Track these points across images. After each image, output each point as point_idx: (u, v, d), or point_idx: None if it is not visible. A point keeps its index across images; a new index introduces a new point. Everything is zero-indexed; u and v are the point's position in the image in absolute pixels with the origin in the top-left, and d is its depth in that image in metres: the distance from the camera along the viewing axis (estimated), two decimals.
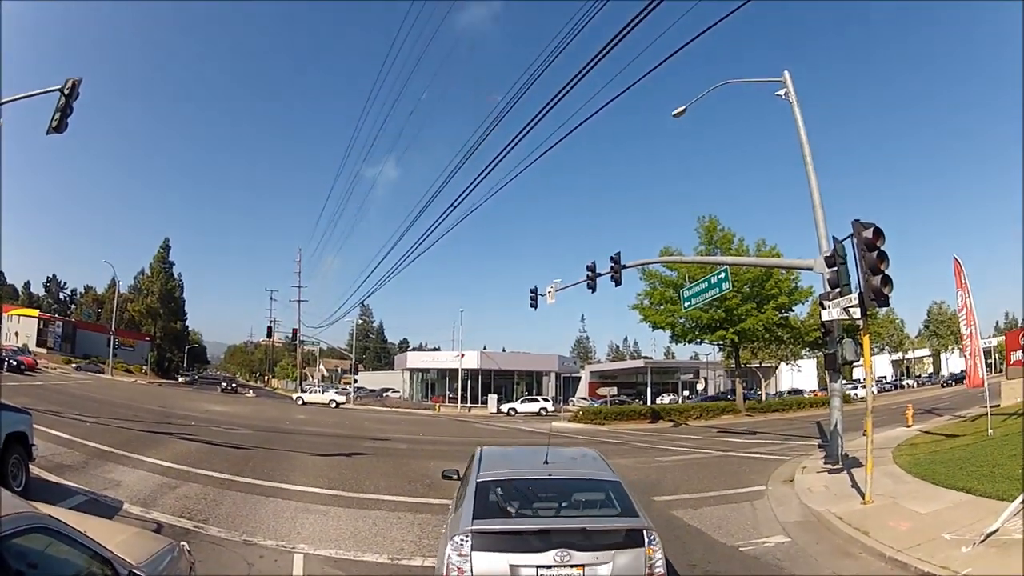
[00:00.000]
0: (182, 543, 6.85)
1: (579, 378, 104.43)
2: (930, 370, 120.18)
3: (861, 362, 16.22)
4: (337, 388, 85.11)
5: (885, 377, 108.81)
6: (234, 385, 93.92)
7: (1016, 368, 31.43)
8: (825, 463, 20.42)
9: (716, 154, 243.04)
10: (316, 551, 10.33)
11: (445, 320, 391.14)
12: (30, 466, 12.54)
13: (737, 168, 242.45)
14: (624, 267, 28.54)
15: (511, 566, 6.24)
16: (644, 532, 6.51)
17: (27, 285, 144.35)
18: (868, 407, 15.47)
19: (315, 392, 76.78)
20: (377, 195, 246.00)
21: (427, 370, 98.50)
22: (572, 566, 6.25)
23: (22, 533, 3.47)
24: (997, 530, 9.88)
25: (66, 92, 20.31)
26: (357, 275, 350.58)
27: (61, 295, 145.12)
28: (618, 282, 28.44)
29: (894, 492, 14.84)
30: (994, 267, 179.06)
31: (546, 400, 76.00)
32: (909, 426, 30.74)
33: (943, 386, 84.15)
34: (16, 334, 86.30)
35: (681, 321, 53.67)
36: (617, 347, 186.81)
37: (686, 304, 30.22)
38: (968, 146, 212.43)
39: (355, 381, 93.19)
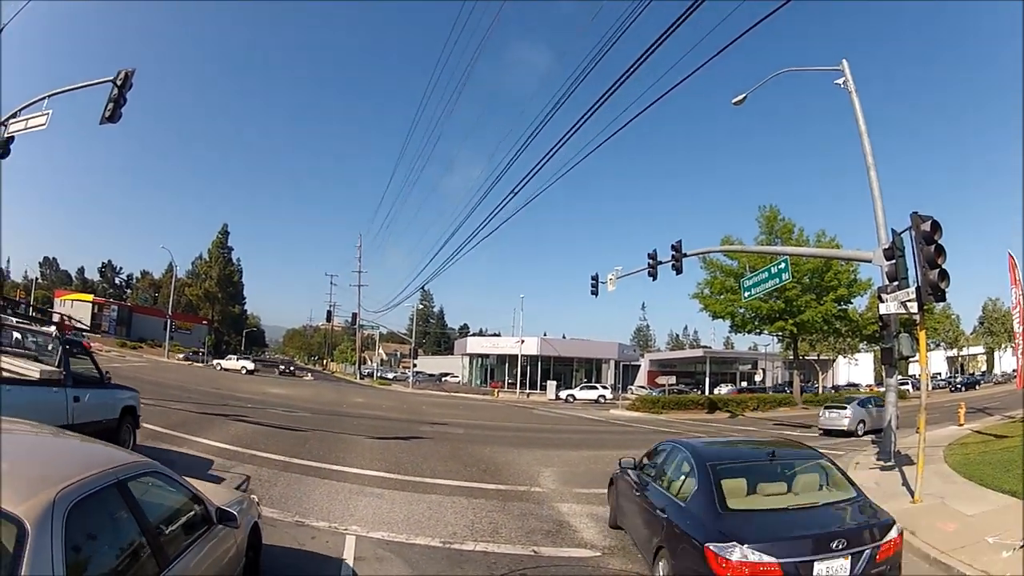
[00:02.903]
0: (252, 495, 8.05)
1: (638, 366, 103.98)
2: (983, 368, 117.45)
3: (917, 357, 15.94)
4: (249, 357, 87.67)
5: (940, 374, 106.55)
6: (292, 368, 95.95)
7: None
8: (878, 459, 20.29)
9: (776, 142, 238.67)
10: (369, 533, 10.41)
11: (505, 306, 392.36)
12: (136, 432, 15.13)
13: (797, 156, 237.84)
14: (685, 255, 28.37)
15: None
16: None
17: (81, 271, 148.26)
18: (923, 404, 15.20)
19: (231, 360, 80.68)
20: (440, 180, 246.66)
21: (486, 355, 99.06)
22: None
23: (141, 476, 4.58)
24: None
25: (119, 83, 20.70)
26: (418, 260, 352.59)
27: (116, 280, 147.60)
28: (679, 270, 28.35)
29: (943, 492, 14.71)
30: None
31: (605, 388, 76.35)
32: (960, 425, 30.21)
33: (963, 388, 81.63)
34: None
35: (741, 311, 53.48)
36: (677, 336, 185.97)
37: (746, 294, 29.94)
38: None
39: (414, 365, 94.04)
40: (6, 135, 21.22)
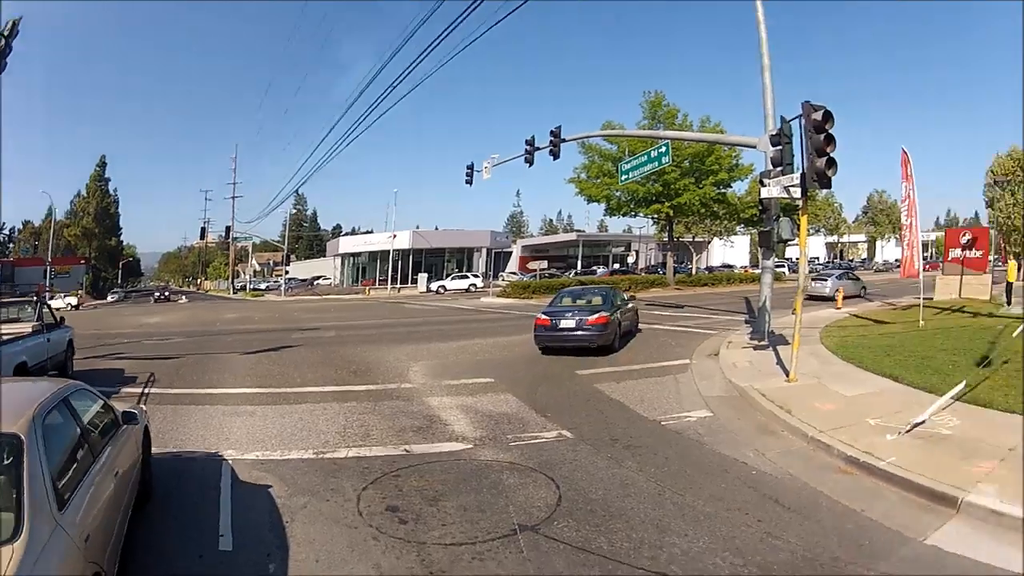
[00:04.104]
0: (141, 405, 10.16)
1: (511, 253, 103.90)
2: (864, 255, 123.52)
3: (795, 241, 16.17)
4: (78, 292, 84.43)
5: (818, 258, 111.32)
6: (167, 294, 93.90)
7: (954, 265, 32.46)
8: (751, 339, 20.73)
9: (667, 27, 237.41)
10: (243, 455, 10.18)
11: (381, 203, 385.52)
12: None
13: (687, 46, 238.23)
14: (564, 140, 28.29)
15: None
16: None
17: None
18: (800, 285, 15.46)
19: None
20: (323, 83, 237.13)
21: (359, 254, 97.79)
22: None
23: (75, 392, 6.53)
24: (923, 422, 9.93)
25: (5, 33, 18.31)
26: (293, 164, 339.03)
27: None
28: (556, 156, 28.22)
29: (819, 372, 14.97)
30: (942, 165, 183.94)
31: (476, 276, 77.36)
32: (838, 308, 31.39)
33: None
34: None
35: (617, 194, 54.23)
36: (551, 221, 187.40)
37: (623, 177, 30.10)
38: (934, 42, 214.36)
39: (286, 272, 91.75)
40: None
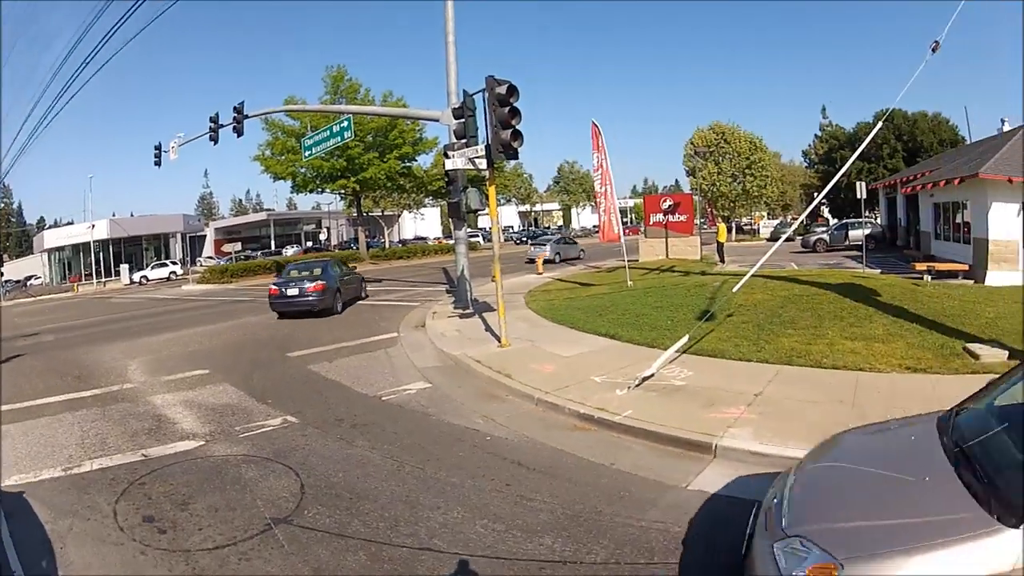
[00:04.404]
0: None
1: (205, 236, 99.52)
2: (560, 223, 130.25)
3: (486, 211, 16.85)
4: None
5: (512, 227, 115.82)
6: None
7: (656, 228, 35.27)
8: (455, 308, 21.46)
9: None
10: (3, 482, 9.32)
11: (79, 191, 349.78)
12: None
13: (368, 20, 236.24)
14: (247, 117, 27.55)
15: None
16: None
17: None
18: (496, 253, 16.20)
19: None
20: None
21: (63, 248, 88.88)
22: None
23: None
24: (652, 375, 10.51)
25: None
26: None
27: None
28: (240, 132, 27.44)
29: (531, 336, 15.56)
30: (634, 137, 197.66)
31: (175, 263, 74.14)
32: (540, 273, 32.99)
33: (526, 241, 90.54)
34: None
35: (303, 171, 53.69)
36: (240, 201, 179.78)
37: (307, 153, 29.91)
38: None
39: (1, 275, 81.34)
40: None
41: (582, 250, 47.89)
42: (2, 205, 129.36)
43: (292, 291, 23.37)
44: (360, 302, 27.63)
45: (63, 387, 15.58)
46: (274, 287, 24.13)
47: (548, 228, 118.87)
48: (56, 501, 8.41)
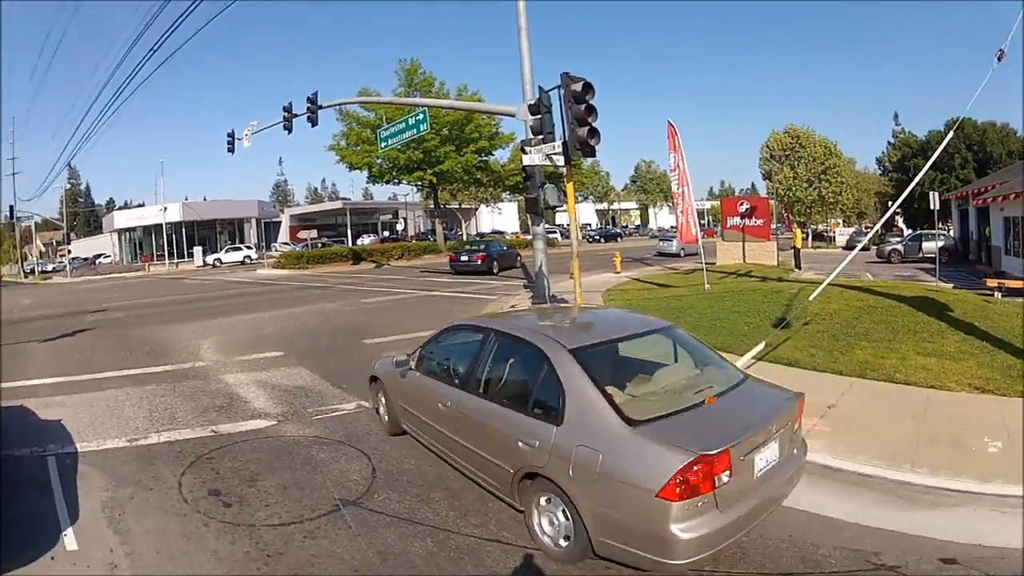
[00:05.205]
0: None
1: (280, 223, 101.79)
2: (637, 222, 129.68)
3: (564, 207, 16.74)
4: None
5: (590, 225, 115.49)
6: None
7: (733, 232, 34.81)
8: (534, 303, 21.26)
9: None
10: (64, 448, 9.65)
11: (149, 174, 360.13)
12: None
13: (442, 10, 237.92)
14: (321, 107, 27.94)
15: None
16: None
17: None
18: (574, 250, 16.11)
19: None
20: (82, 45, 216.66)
21: (133, 229, 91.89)
22: None
23: None
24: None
25: None
26: (65, 134, 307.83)
27: None
28: (314, 122, 27.87)
29: None
30: (711, 139, 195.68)
31: (249, 248, 75.77)
32: (618, 272, 32.70)
33: (601, 240, 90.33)
34: None
35: (379, 162, 54.17)
36: (315, 189, 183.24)
37: (383, 145, 29.98)
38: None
39: (69, 252, 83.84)
40: None
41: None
42: (69, 186, 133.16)
43: (464, 257, 38.72)
44: (441, 293, 28.10)
45: (132, 362, 15.94)
46: (452, 255, 40.69)
47: (625, 227, 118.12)
48: (118, 470, 8.61)
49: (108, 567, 6.21)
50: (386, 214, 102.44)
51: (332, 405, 11.20)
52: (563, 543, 5.83)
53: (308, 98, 27.84)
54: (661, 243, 54.27)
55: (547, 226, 30.02)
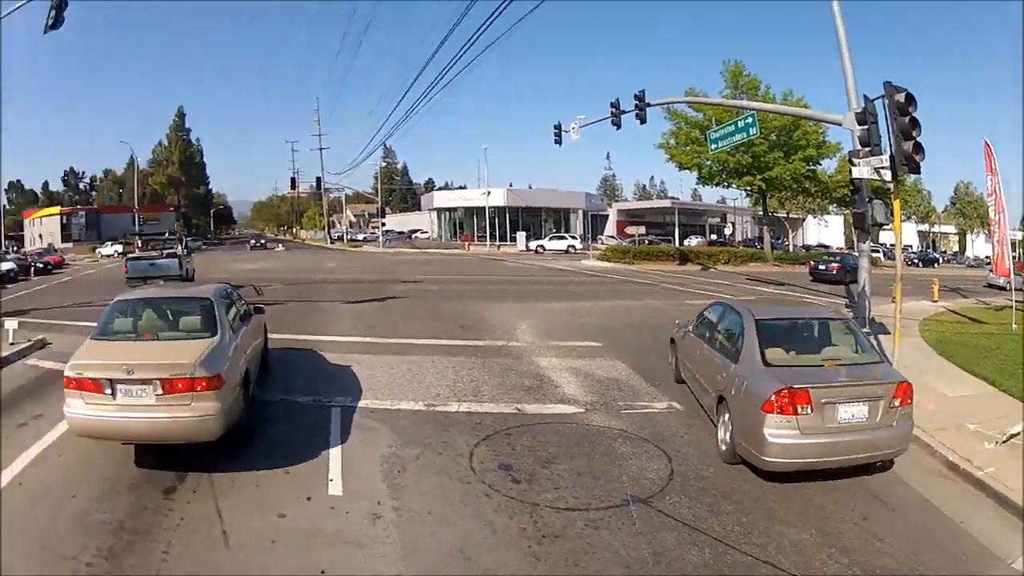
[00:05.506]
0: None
1: (606, 216, 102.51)
2: (956, 248, 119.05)
3: (889, 226, 15.94)
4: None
5: (911, 246, 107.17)
6: (262, 242, 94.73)
7: None
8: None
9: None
10: (352, 402, 10.50)
11: (469, 158, 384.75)
12: None
13: (766, 15, 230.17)
14: (649, 105, 28.23)
15: None
16: None
17: (45, 185, 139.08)
18: (898, 273, 14.94)
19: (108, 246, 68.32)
20: (396, 31, 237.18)
21: (454, 209, 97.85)
22: None
23: (230, 290, 11.51)
24: (1018, 433, 9.52)
25: None
26: (378, 116, 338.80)
27: (81, 186, 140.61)
28: (643, 120, 28.18)
29: (920, 367, 14.21)
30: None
31: (574, 238, 76.33)
32: (934, 301, 30.32)
33: (919, 264, 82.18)
34: (40, 236, 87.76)
35: (708, 163, 53.25)
36: (643, 186, 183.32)
37: (713, 146, 29.93)
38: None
39: (383, 224, 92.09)
40: None
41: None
42: (385, 164, 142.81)
43: (821, 266, 41.21)
44: None
45: (442, 333, 16.81)
46: (812, 262, 43.86)
47: (944, 252, 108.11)
48: (408, 431, 9.25)
49: (370, 517, 6.73)
50: (714, 217, 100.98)
51: (643, 402, 11.27)
52: (723, 448, 8.74)
53: (635, 95, 28.16)
54: (991, 274, 48.29)
55: (871, 244, 28.50)
